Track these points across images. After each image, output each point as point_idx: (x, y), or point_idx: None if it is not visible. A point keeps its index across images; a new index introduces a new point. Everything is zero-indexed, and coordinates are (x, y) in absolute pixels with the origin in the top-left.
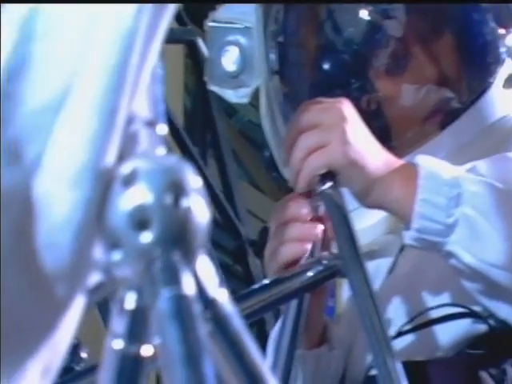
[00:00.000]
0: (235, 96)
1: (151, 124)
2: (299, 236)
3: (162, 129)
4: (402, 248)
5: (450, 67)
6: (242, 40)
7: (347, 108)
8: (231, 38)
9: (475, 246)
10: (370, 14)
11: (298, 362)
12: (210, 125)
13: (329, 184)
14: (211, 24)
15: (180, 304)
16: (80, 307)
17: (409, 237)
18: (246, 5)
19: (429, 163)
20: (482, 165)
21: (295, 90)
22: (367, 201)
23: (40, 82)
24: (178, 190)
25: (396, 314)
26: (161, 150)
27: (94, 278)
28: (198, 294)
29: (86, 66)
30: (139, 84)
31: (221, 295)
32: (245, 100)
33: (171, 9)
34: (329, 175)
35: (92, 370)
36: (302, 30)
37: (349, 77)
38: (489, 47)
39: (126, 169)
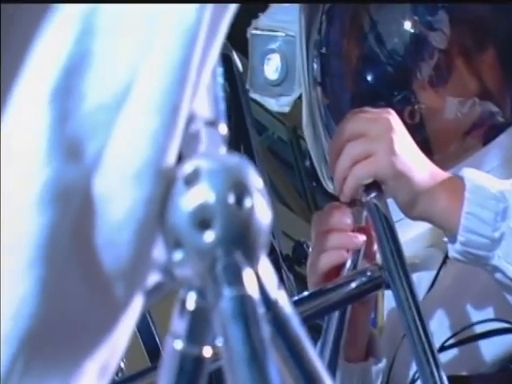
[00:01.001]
0: (277, 104)
1: (212, 123)
2: (340, 244)
3: (223, 128)
4: (444, 261)
5: (493, 81)
6: (285, 48)
7: (394, 119)
8: (273, 46)
9: None
10: (413, 26)
11: (342, 374)
12: (245, 142)
13: (374, 194)
14: (254, 32)
15: (244, 304)
16: (138, 307)
17: (454, 250)
18: (289, 13)
19: (475, 176)
20: None
21: (338, 100)
22: (412, 212)
23: (101, 78)
24: (240, 189)
25: (438, 327)
26: (223, 150)
27: (153, 277)
28: (260, 295)
29: (147, 62)
30: (200, 82)
31: (281, 297)
32: (286, 109)
33: (233, 7)
34: (374, 185)
35: (130, 379)
36: (345, 41)
37: (392, 88)
38: None
39: (188, 168)
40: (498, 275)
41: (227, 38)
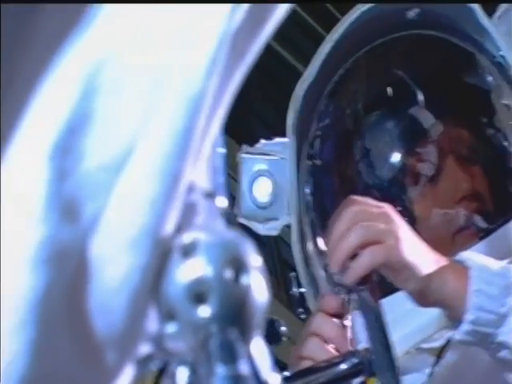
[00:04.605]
0: (264, 229)
1: (210, 195)
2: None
3: (222, 201)
4: (437, 362)
5: (478, 191)
6: (274, 171)
7: (393, 211)
8: (263, 168)
9: None
10: (403, 157)
11: None
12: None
13: (367, 284)
14: (243, 155)
15: None
16: (128, 378)
17: (462, 331)
18: (278, 145)
19: (474, 256)
20: None
21: (327, 220)
22: (426, 299)
23: (102, 140)
24: (238, 265)
25: None
26: (220, 223)
27: (144, 348)
28: (252, 376)
29: (150, 127)
30: (201, 151)
31: (273, 379)
32: (274, 233)
33: (238, 79)
34: (368, 275)
35: None
36: (336, 165)
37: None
38: None
39: (186, 239)
40: (504, 352)
41: None
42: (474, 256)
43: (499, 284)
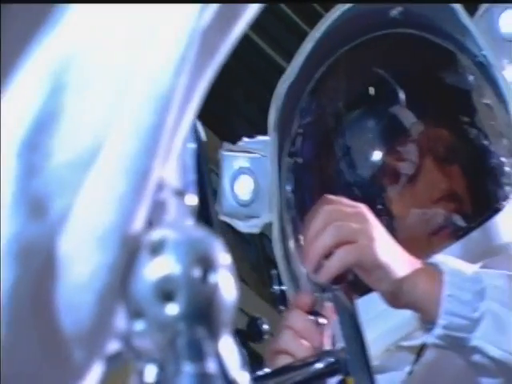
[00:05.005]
0: (246, 226)
1: (180, 193)
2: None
3: (191, 199)
4: (417, 360)
5: (456, 191)
6: (256, 168)
7: (369, 212)
8: (245, 165)
9: (500, 338)
10: (383, 156)
11: None
12: (204, 212)
13: (342, 284)
14: (225, 153)
15: (203, 382)
16: (97, 375)
17: (434, 335)
18: (259, 143)
19: (448, 260)
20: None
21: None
22: (397, 301)
23: (70, 136)
24: (206, 264)
25: None
26: (189, 221)
27: (113, 345)
28: (220, 374)
29: (119, 124)
30: (172, 149)
31: (242, 377)
32: (255, 230)
33: (209, 75)
34: (342, 275)
35: None
36: (317, 163)
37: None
38: (496, 184)
39: (154, 237)
40: (477, 357)
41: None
42: (448, 260)
43: (472, 289)
